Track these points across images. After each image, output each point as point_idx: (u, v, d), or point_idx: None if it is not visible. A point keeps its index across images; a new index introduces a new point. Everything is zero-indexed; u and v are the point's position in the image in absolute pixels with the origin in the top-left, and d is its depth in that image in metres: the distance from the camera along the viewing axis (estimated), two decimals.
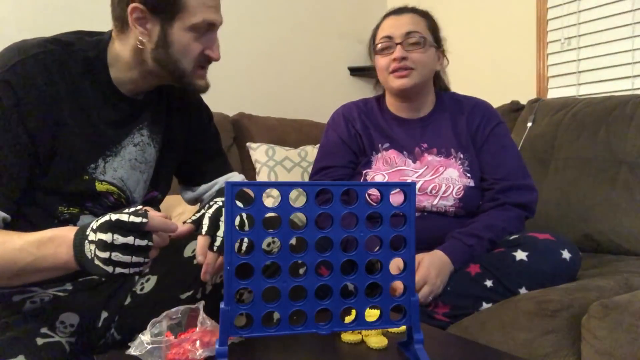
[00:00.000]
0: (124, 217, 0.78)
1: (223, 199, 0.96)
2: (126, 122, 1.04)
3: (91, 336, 1.01)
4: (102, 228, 0.78)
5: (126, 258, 0.77)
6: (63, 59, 0.95)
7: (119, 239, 0.76)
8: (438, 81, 1.56)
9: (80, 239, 0.80)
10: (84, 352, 0.98)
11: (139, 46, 0.96)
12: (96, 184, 0.99)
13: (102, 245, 0.77)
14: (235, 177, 1.20)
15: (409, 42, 1.40)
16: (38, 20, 1.97)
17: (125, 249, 0.77)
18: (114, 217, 0.78)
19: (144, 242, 0.78)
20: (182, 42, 0.96)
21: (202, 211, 0.94)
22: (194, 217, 0.93)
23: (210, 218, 0.91)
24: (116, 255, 0.77)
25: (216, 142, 1.21)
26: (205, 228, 0.89)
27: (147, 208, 0.81)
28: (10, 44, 0.95)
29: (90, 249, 0.79)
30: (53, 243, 0.82)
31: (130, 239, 0.77)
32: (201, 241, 0.89)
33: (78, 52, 0.98)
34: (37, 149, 0.92)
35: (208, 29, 0.98)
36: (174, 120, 1.13)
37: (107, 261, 0.77)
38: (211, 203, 0.95)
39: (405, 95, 1.47)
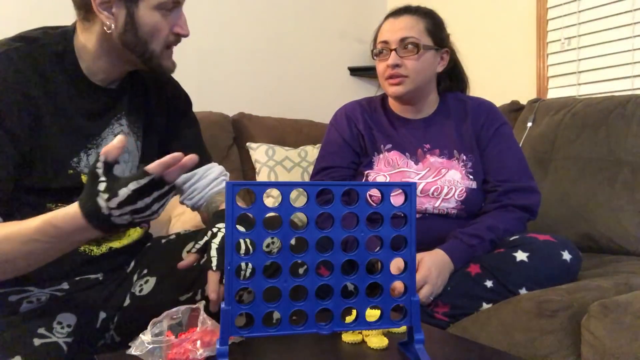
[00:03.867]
0: (135, 185, 0.75)
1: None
2: (103, 113, 1.02)
3: (89, 337, 1.01)
4: (128, 202, 0.76)
5: (157, 205, 0.79)
6: (31, 55, 0.93)
7: (147, 200, 0.77)
8: (447, 81, 1.55)
9: (102, 216, 0.78)
10: (82, 352, 0.97)
11: (107, 31, 0.94)
12: (82, 177, 0.97)
13: (136, 211, 0.77)
14: (215, 167, 1.15)
15: (403, 48, 1.39)
16: (38, 20, 1.97)
17: (155, 201, 0.78)
18: (129, 189, 0.75)
19: (166, 189, 0.78)
20: (151, 22, 0.94)
21: (206, 238, 0.90)
22: (198, 246, 0.90)
23: (217, 250, 0.88)
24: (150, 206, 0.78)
25: (195, 130, 1.18)
26: (215, 262, 0.86)
27: (142, 166, 0.81)
28: None
29: (124, 219, 0.78)
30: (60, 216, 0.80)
31: (155, 194, 0.77)
32: (212, 277, 0.86)
33: (45, 47, 0.96)
34: (18, 148, 0.90)
35: (174, 6, 0.95)
36: (152, 108, 1.11)
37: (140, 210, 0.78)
38: (214, 230, 0.91)
39: (402, 100, 1.47)
